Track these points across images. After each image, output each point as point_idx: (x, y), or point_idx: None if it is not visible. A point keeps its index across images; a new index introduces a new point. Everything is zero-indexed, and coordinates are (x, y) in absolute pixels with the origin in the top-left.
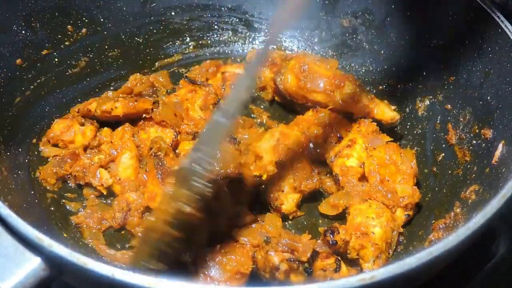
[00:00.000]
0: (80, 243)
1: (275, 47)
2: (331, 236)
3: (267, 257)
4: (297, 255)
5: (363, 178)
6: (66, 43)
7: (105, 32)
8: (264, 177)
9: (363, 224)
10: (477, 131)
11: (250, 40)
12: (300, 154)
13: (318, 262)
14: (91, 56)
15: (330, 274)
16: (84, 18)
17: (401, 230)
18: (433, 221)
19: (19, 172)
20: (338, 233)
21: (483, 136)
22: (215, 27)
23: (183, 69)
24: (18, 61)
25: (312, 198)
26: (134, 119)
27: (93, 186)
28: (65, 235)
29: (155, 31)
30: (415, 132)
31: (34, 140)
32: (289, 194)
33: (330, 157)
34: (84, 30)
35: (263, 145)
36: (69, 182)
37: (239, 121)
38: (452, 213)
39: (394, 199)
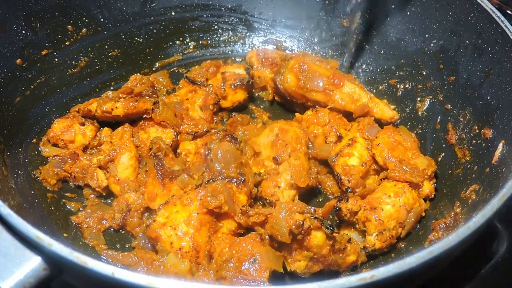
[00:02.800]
0: (80, 242)
1: (275, 47)
2: (338, 203)
3: (290, 217)
4: (319, 214)
5: (365, 176)
6: (66, 43)
7: (105, 32)
8: (262, 172)
9: (378, 199)
10: (477, 131)
11: (250, 40)
12: (299, 151)
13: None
14: (91, 56)
15: (344, 242)
16: (84, 18)
17: (425, 210)
18: (433, 221)
19: (19, 172)
20: (346, 201)
21: (483, 136)
22: (215, 27)
23: (183, 69)
24: (18, 61)
25: (311, 195)
26: (134, 119)
27: (91, 187)
28: (65, 234)
29: (155, 31)
30: (415, 132)
31: (34, 140)
32: (285, 191)
33: (331, 157)
34: (84, 30)
35: (262, 141)
36: (69, 182)
37: (237, 118)
38: (452, 213)
39: (420, 173)
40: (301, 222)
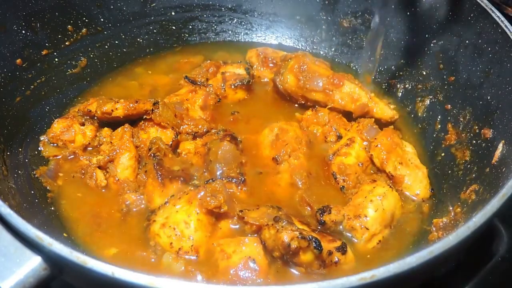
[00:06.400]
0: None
1: (275, 47)
2: (321, 216)
3: (277, 236)
4: (307, 232)
5: (361, 176)
6: (66, 43)
7: (105, 32)
8: (262, 172)
9: (359, 205)
10: (477, 131)
11: (250, 40)
12: (299, 151)
13: (325, 244)
14: (91, 56)
15: (338, 255)
16: (84, 18)
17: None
18: (433, 221)
19: (19, 172)
20: (329, 213)
21: (483, 136)
22: (215, 27)
23: None
24: (18, 61)
25: None
26: (134, 120)
27: (90, 187)
28: (65, 235)
29: (155, 31)
30: (415, 132)
31: (34, 140)
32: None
33: (328, 155)
34: (84, 30)
35: (262, 140)
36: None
37: (238, 117)
38: (452, 213)
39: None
40: (288, 244)
